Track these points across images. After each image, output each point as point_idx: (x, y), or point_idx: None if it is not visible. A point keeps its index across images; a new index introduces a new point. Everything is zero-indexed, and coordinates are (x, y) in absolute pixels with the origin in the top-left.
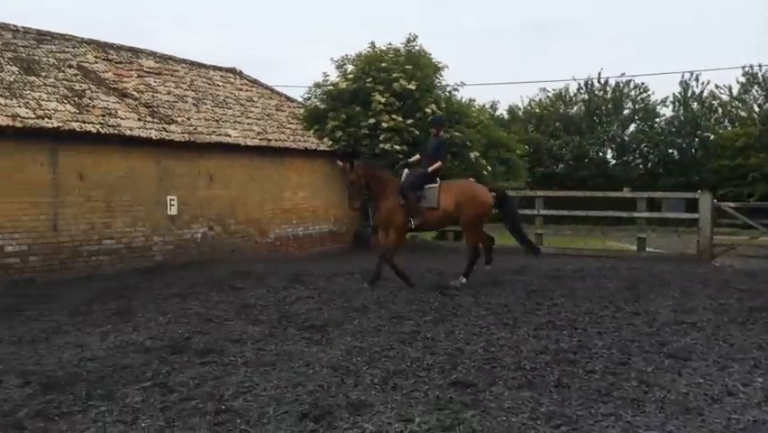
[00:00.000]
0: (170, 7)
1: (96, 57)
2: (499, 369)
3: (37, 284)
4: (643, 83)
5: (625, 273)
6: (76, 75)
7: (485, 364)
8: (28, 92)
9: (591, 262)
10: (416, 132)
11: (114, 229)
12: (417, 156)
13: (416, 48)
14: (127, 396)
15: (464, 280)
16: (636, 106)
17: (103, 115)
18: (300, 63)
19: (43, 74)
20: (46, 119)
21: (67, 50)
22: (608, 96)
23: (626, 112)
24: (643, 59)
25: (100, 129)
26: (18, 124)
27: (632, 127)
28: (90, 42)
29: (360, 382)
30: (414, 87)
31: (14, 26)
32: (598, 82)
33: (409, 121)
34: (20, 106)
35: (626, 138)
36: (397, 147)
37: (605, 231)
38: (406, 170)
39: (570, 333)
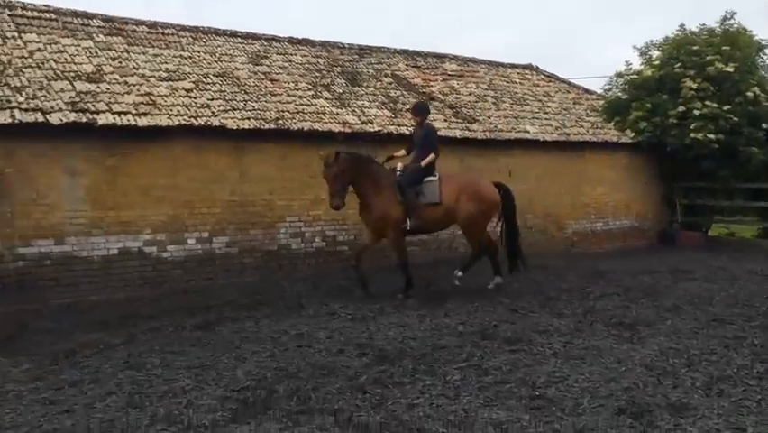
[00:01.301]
0: (470, 7)
1: (406, 65)
2: None
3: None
4: None
5: None
6: (390, 83)
7: None
8: (354, 101)
9: None
10: (735, 118)
11: None
12: (402, 151)
13: (734, 26)
14: (447, 374)
15: (460, 273)
16: None
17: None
18: (597, 52)
19: (365, 84)
20: (369, 124)
21: (383, 60)
22: None
23: None
24: None
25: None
26: (347, 130)
27: None
28: (402, 52)
29: (679, 385)
30: (732, 70)
31: (341, 44)
32: None
33: (726, 107)
34: (348, 114)
35: None
36: (711, 136)
37: None
38: (399, 166)
39: None
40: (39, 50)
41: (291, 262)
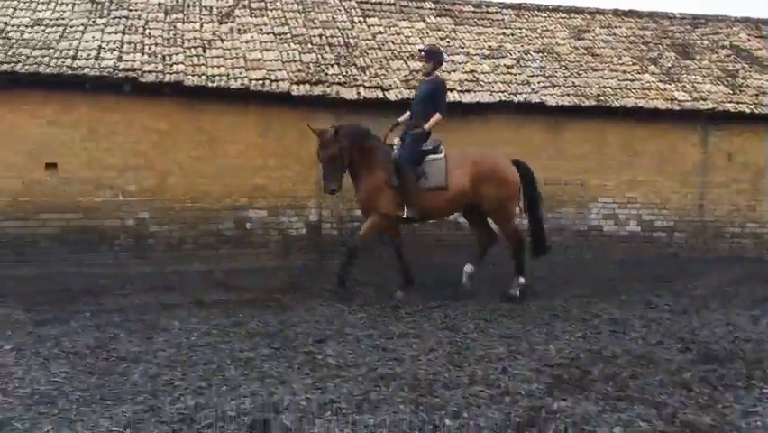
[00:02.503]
0: None
1: (748, 35)
2: None
3: (679, 260)
4: None
5: None
6: (729, 55)
7: None
8: (684, 76)
9: None
10: None
11: (758, 213)
12: (407, 114)
13: None
14: None
15: (522, 280)
16: None
17: (756, 95)
18: None
19: (698, 57)
20: (701, 101)
21: (720, 30)
22: None
23: None
24: None
25: (753, 109)
26: (675, 107)
27: None
28: (743, 21)
29: None
30: None
31: (672, 14)
32: None
33: None
34: (677, 90)
35: None
36: None
37: None
38: (396, 139)
39: None
40: (380, 32)
41: (602, 244)
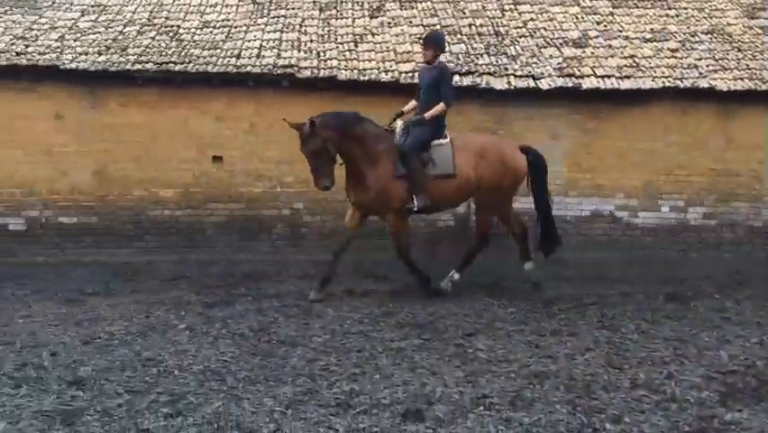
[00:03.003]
0: None
1: None
2: None
3: None
4: None
5: None
6: None
7: None
8: None
9: None
10: None
11: None
12: (413, 102)
13: None
14: None
15: (457, 276)
16: None
17: None
18: None
19: None
20: None
21: None
22: None
23: None
24: None
25: None
26: None
27: None
28: None
29: None
30: None
31: None
32: None
33: None
34: None
35: None
36: None
37: None
38: (399, 123)
39: None
40: (531, 19)
41: None
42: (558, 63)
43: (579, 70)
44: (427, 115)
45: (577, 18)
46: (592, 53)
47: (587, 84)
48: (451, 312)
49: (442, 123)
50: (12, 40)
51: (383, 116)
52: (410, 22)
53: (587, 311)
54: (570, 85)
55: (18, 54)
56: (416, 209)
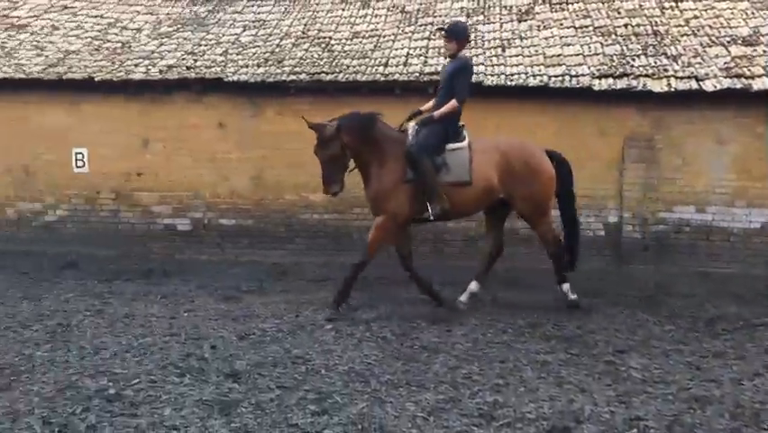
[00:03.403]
0: None
1: None
2: None
3: None
4: None
5: None
6: None
7: None
8: None
9: None
10: None
11: None
12: (431, 102)
13: None
14: None
15: (567, 287)
16: None
17: None
18: None
19: None
20: None
21: None
22: None
23: None
24: None
25: None
26: None
27: None
28: None
29: None
30: None
31: None
32: None
33: None
34: None
35: None
36: None
37: None
38: (412, 124)
39: None
40: (695, 17)
41: None
42: (725, 63)
43: (749, 70)
44: (436, 113)
45: (747, 14)
46: (765, 51)
47: (758, 85)
48: (600, 327)
49: (456, 123)
50: (183, 55)
51: (529, 124)
52: (561, 24)
53: (755, 333)
54: (738, 86)
55: (188, 68)
56: (431, 218)
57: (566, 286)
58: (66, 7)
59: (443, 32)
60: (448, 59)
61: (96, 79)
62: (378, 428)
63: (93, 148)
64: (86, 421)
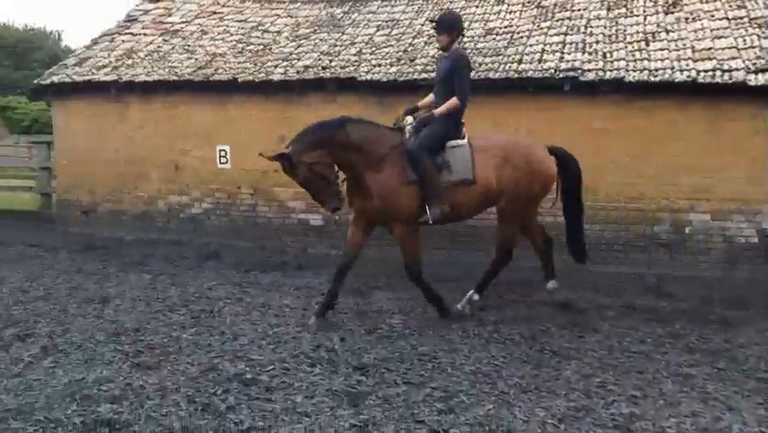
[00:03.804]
0: None
1: None
2: None
3: None
4: None
5: None
6: None
7: None
8: None
9: None
10: None
11: None
12: (430, 96)
13: None
14: None
15: (476, 297)
16: None
17: None
18: None
19: None
20: None
21: None
22: None
23: None
24: None
25: None
26: None
27: None
28: None
29: None
30: None
31: None
32: None
33: None
34: None
35: None
36: None
37: None
38: (409, 119)
39: None
40: None
41: None
42: None
43: None
44: (437, 111)
45: None
46: None
47: None
48: (752, 341)
49: (458, 121)
50: (318, 56)
51: (672, 122)
52: (712, 15)
53: None
54: None
55: (324, 69)
56: (431, 222)
57: (476, 296)
58: (214, 13)
59: (432, 24)
60: (441, 53)
61: (239, 80)
62: (506, 431)
63: (235, 145)
64: (225, 402)
